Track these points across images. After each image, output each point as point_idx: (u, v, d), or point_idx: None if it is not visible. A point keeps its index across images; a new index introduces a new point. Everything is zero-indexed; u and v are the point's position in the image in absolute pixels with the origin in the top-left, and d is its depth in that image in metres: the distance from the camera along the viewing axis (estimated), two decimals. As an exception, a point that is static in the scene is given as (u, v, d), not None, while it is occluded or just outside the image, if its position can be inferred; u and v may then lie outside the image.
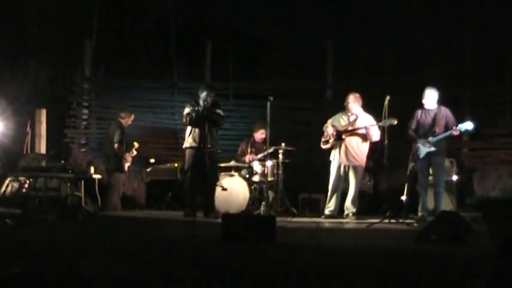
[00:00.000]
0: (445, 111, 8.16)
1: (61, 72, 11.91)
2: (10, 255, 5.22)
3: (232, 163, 9.51)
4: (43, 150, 10.79)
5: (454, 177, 8.99)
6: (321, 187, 9.08)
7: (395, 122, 8.04)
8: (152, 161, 10.15)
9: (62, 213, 8.65)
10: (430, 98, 8.16)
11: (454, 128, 7.92)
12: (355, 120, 8.63)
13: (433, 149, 8.01)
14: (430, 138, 8.02)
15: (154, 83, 11.79)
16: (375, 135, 8.47)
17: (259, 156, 9.42)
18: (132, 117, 9.86)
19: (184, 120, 8.45)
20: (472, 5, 10.95)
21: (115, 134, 9.58)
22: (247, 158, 9.67)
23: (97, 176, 9.45)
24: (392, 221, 7.75)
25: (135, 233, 7.39)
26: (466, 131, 8.13)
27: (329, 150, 8.75)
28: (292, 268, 4.87)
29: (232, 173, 9.22)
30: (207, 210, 8.32)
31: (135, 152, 9.77)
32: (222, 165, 9.24)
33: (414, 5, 12.14)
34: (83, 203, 9.09)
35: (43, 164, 9.37)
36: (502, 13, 10.95)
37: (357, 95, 8.68)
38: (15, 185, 9.44)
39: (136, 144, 9.82)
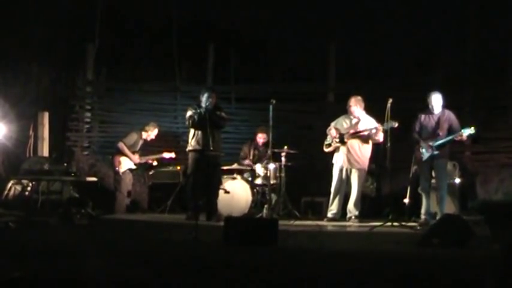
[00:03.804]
0: (449, 115, 8.16)
1: (63, 75, 11.94)
2: (12, 258, 5.21)
3: (235, 166, 9.51)
4: (46, 153, 10.82)
5: (457, 181, 8.99)
6: (323, 190, 9.08)
7: (396, 125, 8.03)
8: (155, 164, 10.16)
9: (64, 216, 8.66)
10: (436, 102, 8.15)
11: (460, 132, 7.94)
12: (357, 123, 8.63)
13: (436, 152, 8.01)
14: (432, 143, 8.02)
15: (157, 86, 11.81)
16: (380, 136, 8.47)
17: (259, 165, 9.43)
18: (156, 131, 9.97)
19: (187, 123, 8.46)
20: (474, 8, 10.95)
21: (126, 136, 9.69)
22: (246, 162, 9.71)
23: (100, 179, 9.48)
24: (394, 224, 7.74)
25: (137, 236, 7.38)
26: (470, 135, 8.13)
27: (331, 153, 8.75)
28: (295, 271, 4.86)
29: (235, 176, 9.22)
30: (210, 213, 8.32)
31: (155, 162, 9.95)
32: (225, 168, 9.24)
33: (416, 8, 12.17)
34: (85, 206, 9.09)
35: (46, 167, 9.40)
36: (504, 16, 10.96)
37: (359, 98, 8.69)
38: (18, 188, 9.47)
39: (169, 155, 9.92)
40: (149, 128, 9.97)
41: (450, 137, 8.01)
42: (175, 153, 10.21)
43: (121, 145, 9.68)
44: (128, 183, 9.76)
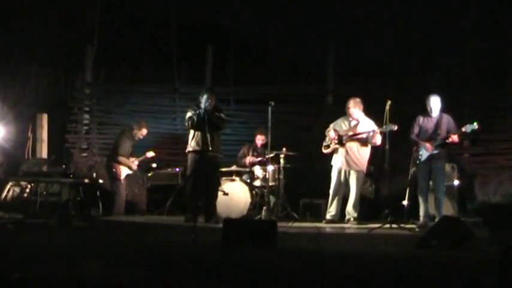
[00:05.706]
0: (448, 118, 8.16)
1: (62, 77, 11.94)
2: (11, 260, 5.21)
3: (234, 168, 9.51)
4: (44, 155, 10.82)
5: (456, 183, 8.99)
6: (322, 192, 9.08)
7: (396, 128, 8.02)
8: (154, 165, 10.15)
9: (62, 218, 8.66)
10: (434, 104, 8.15)
11: (453, 134, 7.96)
12: (356, 125, 8.63)
13: (435, 151, 8.01)
14: (432, 143, 8.04)
15: (156, 88, 11.80)
16: (378, 139, 8.47)
17: (259, 159, 9.43)
18: (143, 131, 9.72)
19: (186, 124, 8.44)
20: (473, 10, 10.97)
21: (120, 144, 9.52)
22: (248, 159, 9.70)
23: (98, 181, 9.45)
24: (393, 226, 7.73)
25: (135, 238, 7.38)
26: (473, 130, 8.08)
27: (330, 155, 8.74)
28: (293, 273, 4.86)
29: (234, 177, 9.21)
30: (208, 215, 8.31)
31: (149, 156, 9.86)
32: (223, 169, 9.23)
33: (415, 10, 12.17)
34: (83, 208, 9.10)
35: (44, 168, 9.40)
36: (503, 18, 10.97)
37: (358, 99, 8.68)
38: (17, 189, 9.46)
39: (150, 154, 9.87)
40: (137, 127, 9.69)
41: (442, 140, 8.00)
42: (174, 154, 10.19)
43: (122, 159, 9.46)
44: (126, 186, 9.71)
